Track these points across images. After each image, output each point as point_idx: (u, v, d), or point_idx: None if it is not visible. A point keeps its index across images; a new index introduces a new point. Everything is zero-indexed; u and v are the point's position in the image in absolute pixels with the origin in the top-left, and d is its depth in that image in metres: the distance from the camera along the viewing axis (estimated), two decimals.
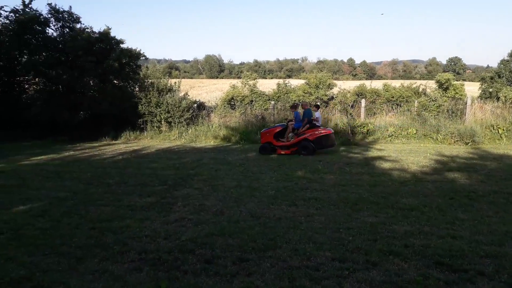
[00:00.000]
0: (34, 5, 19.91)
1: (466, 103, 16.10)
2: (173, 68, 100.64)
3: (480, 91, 21.33)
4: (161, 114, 17.50)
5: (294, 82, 23.99)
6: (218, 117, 18.71)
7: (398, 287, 3.54)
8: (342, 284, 3.58)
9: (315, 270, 3.87)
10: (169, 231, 5.05)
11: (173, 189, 7.36)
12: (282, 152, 11.71)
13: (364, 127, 15.41)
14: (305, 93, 20.84)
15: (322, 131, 11.56)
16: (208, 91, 44.30)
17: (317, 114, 12.63)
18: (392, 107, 18.03)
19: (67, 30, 18.76)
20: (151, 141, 16.55)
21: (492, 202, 6.19)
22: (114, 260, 4.18)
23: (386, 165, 9.53)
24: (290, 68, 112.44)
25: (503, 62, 21.52)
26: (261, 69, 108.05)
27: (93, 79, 18.60)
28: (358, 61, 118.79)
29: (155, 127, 17.63)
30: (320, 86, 21.10)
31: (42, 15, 18.21)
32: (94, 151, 13.52)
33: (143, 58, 19.97)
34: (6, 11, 18.25)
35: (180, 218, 5.59)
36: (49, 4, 18.25)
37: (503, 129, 14.22)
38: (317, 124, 12.00)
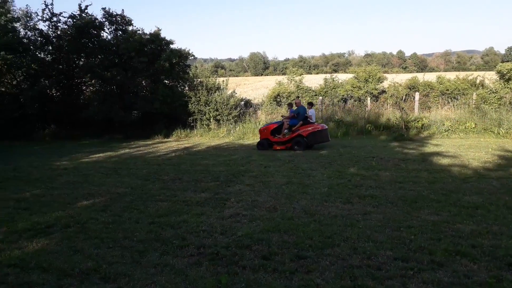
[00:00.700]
0: (89, 10, 20.90)
1: None
2: (219, 67, 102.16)
3: None
4: (210, 112, 17.84)
5: (342, 77, 23.48)
6: (264, 114, 18.76)
7: None
8: (407, 285, 3.43)
9: (377, 270, 3.73)
10: (225, 226, 5.11)
11: (225, 185, 7.46)
12: (278, 148, 12.21)
13: (418, 121, 14.80)
14: (353, 87, 20.36)
15: (315, 128, 12.04)
16: (253, 88, 44.56)
17: (310, 111, 12.95)
18: (447, 101, 17.15)
19: (120, 32, 19.64)
20: (201, 138, 16.91)
21: None
22: (174, 254, 4.28)
23: (444, 161, 9.06)
24: (336, 63, 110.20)
25: None
26: (306, 65, 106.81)
27: (145, 79, 19.36)
28: (408, 53, 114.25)
29: (204, 125, 18.00)
30: (370, 79, 20.51)
31: (97, 19, 19.22)
32: (148, 148, 14.04)
33: (192, 57, 20.45)
34: (64, 17, 19.33)
35: (235, 213, 5.64)
36: (103, 9, 19.24)
37: None
38: (310, 121, 12.47)
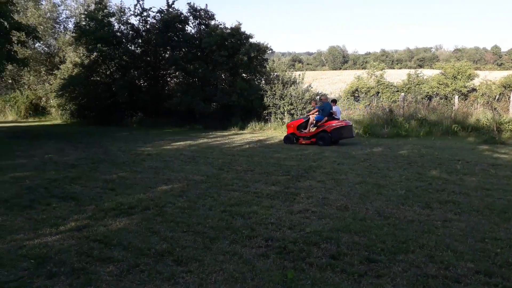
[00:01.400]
0: (175, 5, 22.06)
1: None
2: (296, 61, 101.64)
3: None
4: (285, 106, 17.87)
5: (427, 73, 21.99)
6: (341, 109, 18.26)
7: None
8: None
9: (455, 282, 3.46)
10: (294, 221, 5.10)
11: (296, 180, 7.44)
12: (303, 142, 12.63)
13: None
14: (440, 84, 18.99)
15: (339, 123, 12.41)
16: (330, 82, 43.68)
17: (335, 108, 13.28)
18: None
19: (203, 27, 20.46)
20: (274, 132, 17.03)
21: None
22: (243, 244, 4.39)
23: None
24: (421, 58, 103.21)
25: None
26: (388, 59, 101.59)
27: (224, 73, 20.01)
28: (504, 48, 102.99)
29: (278, 119, 18.09)
30: (459, 76, 18.96)
31: (182, 14, 20.25)
32: (224, 139, 14.52)
33: (270, 51, 20.62)
34: (153, 12, 20.72)
35: (304, 209, 5.60)
36: (189, 3, 20.15)
37: None
38: (335, 117, 12.84)
